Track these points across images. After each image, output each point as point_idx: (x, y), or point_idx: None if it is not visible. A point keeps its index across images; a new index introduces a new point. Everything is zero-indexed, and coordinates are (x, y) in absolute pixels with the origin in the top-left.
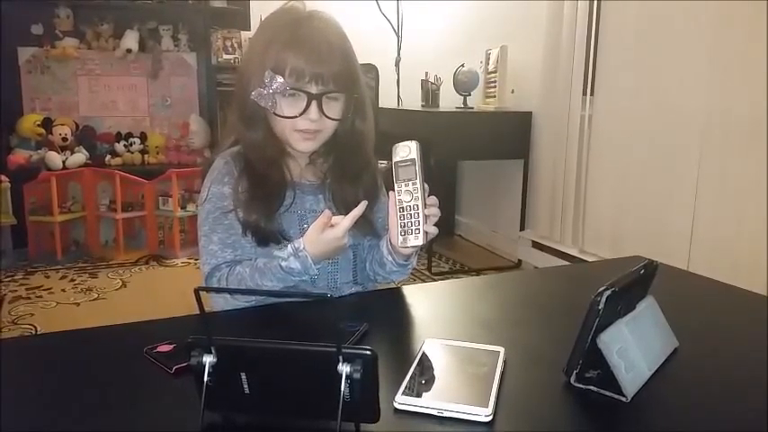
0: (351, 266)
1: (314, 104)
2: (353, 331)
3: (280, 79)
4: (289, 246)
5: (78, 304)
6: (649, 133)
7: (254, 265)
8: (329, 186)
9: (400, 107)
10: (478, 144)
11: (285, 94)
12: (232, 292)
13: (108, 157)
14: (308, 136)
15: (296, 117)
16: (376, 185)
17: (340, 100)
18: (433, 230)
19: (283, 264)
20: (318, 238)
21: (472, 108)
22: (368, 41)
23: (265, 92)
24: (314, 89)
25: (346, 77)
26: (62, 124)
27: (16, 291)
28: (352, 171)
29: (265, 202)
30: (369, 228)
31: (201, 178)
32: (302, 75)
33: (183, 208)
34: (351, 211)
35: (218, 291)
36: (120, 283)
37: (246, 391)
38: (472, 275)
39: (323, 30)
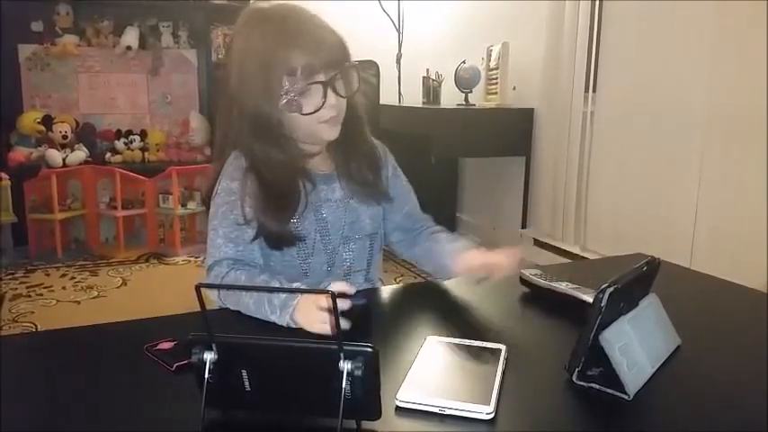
0: (366, 255)
1: (330, 91)
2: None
3: (300, 81)
4: (283, 305)
5: (79, 302)
6: (651, 130)
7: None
8: (341, 173)
9: (401, 104)
10: (480, 141)
11: (302, 92)
12: (233, 288)
13: (108, 154)
14: (332, 123)
15: (319, 110)
16: (376, 156)
17: (341, 76)
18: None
19: (269, 307)
20: (309, 309)
21: (473, 105)
22: (369, 38)
23: (288, 97)
24: (324, 77)
25: (341, 52)
26: (62, 122)
27: (17, 289)
28: (355, 146)
29: (281, 211)
30: (380, 196)
31: (215, 174)
32: (313, 69)
33: (184, 206)
34: (365, 189)
35: (219, 287)
36: (121, 281)
37: (247, 388)
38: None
39: (309, 16)
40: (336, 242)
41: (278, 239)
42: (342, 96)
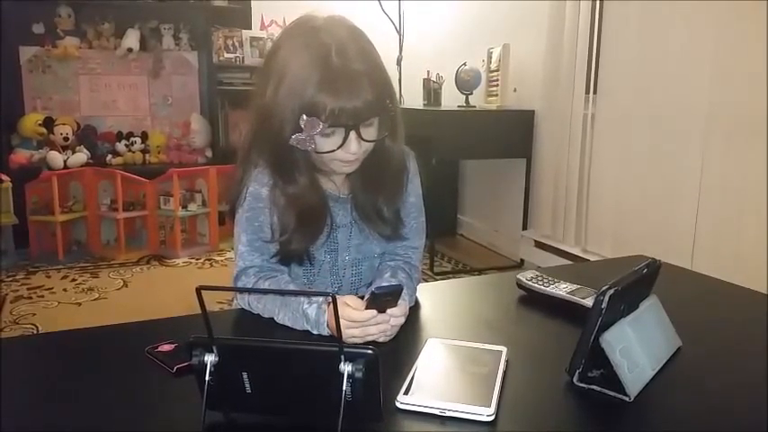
0: (374, 272)
1: (353, 136)
2: (389, 291)
3: (318, 123)
4: (316, 302)
5: (80, 304)
6: (652, 132)
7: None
8: (355, 198)
9: (402, 106)
10: (481, 143)
11: (323, 134)
12: (235, 291)
13: (109, 156)
14: (350, 163)
15: (336, 150)
16: (400, 184)
17: (375, 122)
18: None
19: (305, 307)
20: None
21: (474, 107)
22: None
23: (303, 136)
24: (351, 123)
25: (380, 100)
26: (63, 124)
27: (18, 290)
28: (377, 184)
29: (310, 231)
30: (388, 231)
31: (238, 179)
32: (340, 114)
33: (185, 207)
34: (370, 218)
35: (221, 290)
36: (122, 283)
37: (248, 390)
38: (474, 275)
39: (352, 56)
40: (345, 263)
41: (292, 256)
42: (365, 141)
